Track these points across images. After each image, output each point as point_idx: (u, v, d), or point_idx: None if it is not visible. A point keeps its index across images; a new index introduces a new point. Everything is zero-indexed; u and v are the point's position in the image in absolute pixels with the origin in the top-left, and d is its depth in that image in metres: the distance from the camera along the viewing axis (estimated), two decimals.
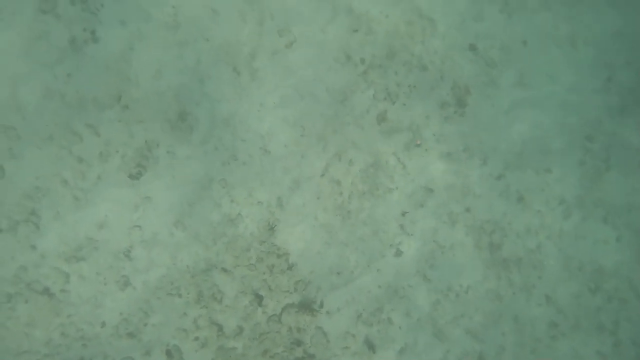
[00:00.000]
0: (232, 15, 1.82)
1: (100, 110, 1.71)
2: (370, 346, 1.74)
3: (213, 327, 1.68)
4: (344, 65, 1.84)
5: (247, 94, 1.79)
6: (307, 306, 1.73)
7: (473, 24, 1.89)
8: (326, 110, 1.81)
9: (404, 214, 1.79)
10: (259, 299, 1.72)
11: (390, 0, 1.89)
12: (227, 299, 1.69)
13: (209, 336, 1.68)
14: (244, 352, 1.70)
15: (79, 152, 1.69)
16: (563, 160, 1.84)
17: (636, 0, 1.89)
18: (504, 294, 1.83)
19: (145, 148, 1.73)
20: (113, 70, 1.74)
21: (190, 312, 1.68)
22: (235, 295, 1.70)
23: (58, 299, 1.63)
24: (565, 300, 1.82)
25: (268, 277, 1.72)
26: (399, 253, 1.79)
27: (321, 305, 1.75)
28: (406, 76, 1.85)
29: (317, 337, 1.74)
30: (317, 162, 1.79)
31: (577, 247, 1.82)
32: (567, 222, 1.83)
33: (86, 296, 1.64)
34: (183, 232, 1.72)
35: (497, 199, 1.81)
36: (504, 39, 1.89)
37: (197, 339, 1.68)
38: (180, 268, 1.69)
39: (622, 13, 1.90)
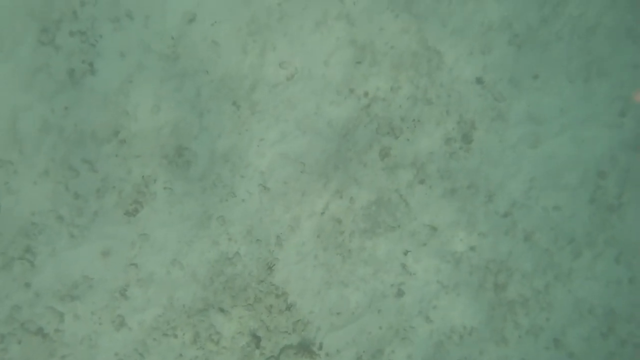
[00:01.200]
0: (233, 47, 1.78)
1: (98, 144, 1.69)
2: None
3: None
4: (346, 99, 1.80)
5: (247, 129, 1.75)
6: (306, 347, 1.69)
7: (481, 56, 1.84)
8: (328, 145, 1.77)
9: (406, 252, 1.74)
10: (256, 340, 1.68)
11: (396, 30, 1.84)
12: (224, 340, 1.66)
13: None
14: None
15: (76, 187, 1.67)
16: (573, 198, 1.77)
17: None
18: (509, 336, 1.76)
19: (143, 184, 1.70)
20: (111, 104, 1.71)
21: (186, 353, 1.65)
22: (232, 336, 1.66)
23: (52, 339, 1.61)
24: (575, 343, 1.76)
25: (266, 317, 1.68)
26: (400, 293, 1.73)
27: (320, 347, 1.70)
28: (411, 110, 1.80)
29: None
30: (318, 199, 1.74)
31: (587, 288, 1.75)
32: (577, 261, 1.77)
33: (81, 336, 1.62)
34: (180, 271, 1.69)
35: (503, 237, 1.76)
36: (514, 71, 1.84)
37: None
38: (176, 308, 1.66)
39: None
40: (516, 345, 1.77)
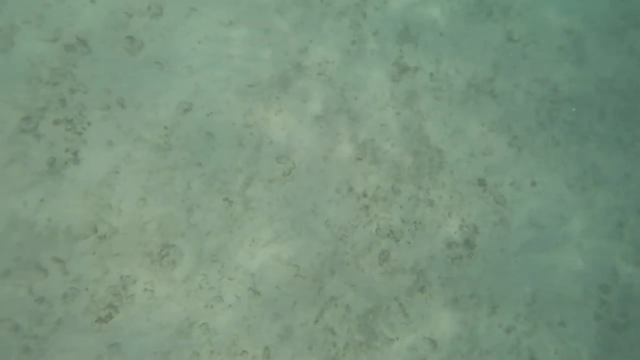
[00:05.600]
0: (229, 139, 1.77)
1: (73, 241, 1.59)
2: None
3: None
4: (345, 197, 1.77)
5: (239, 227, 1.70)
6: None
7: (482, 157, 1.85)
8: (324, 247, 1.71)
9: None
10: None
11: (397, 128, 1.86)
12: None
13: None
14: None
15: (41, 290, 1.55)
16: (578, 313, 1.74)
17: None
18: None
19: (120, 285, 1.59)
20: (93, 196, 1.65)
21: None
22: None
23: None
24: None
25: None
26: None
27: None
28: (412, 211, 1.78)
29: None
30: (311, 306, 1.67)
31: None
32: None
33: None
34: None
35: (507, 356, 1.67)
36: (514, 174, 1.84)
37: None
38: None
39: (631, 155, 1.87)
40: None
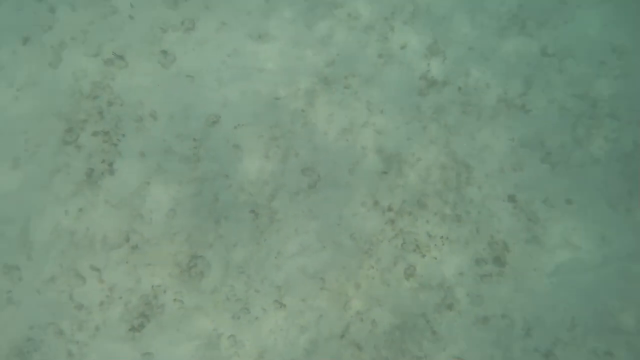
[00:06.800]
0: (255, 152, 1.82)
1: (108, 250, 1.69)
2: None
3: None
4: (370, 211, 1.79)
5: (265, 239, 1.73)
6: None
7: (512, 173, 1.82)
8: (349, 261, 1.73)
9: None
10: None
11: (424, 141, 1.86)
12: None
13: None
14: None
15: (81, 297, 1.65)
16: (627, 344, 1.65)
17: None
18: None
19: (152, 295, 1.66)
20: (126, 206, 1.75)
21: None
22: None
23: None
24: None
25: None
26: None
27: None
28: (439, 226, 1.77)
29: None
30: (337, 321, 1.68)
31: None
32: None
33: None
34: None
35: None
36: (548, 191, 1.81)
37: None
38: None
39: None
40: None
